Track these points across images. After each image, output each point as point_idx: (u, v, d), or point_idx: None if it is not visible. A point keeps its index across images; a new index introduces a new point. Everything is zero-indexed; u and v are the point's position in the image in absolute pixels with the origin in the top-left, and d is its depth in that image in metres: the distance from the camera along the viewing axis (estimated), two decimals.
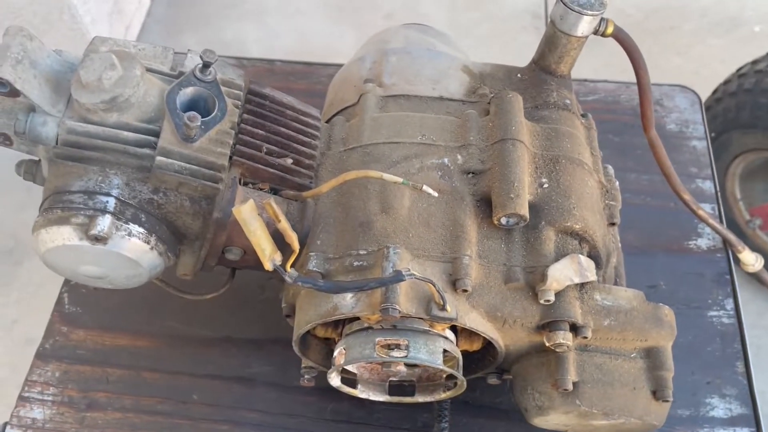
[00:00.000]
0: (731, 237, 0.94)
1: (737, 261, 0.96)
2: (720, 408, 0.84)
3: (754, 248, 0.99)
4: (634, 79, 0.80)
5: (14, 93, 0.59)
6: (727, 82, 1.66)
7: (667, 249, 0.96)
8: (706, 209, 0.93)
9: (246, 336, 0.89)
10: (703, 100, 1.68)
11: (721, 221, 0.96)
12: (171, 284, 0.76)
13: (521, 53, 0.81)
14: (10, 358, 1.85)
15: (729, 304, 0.91)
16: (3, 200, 2.09)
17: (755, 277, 1.01)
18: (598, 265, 0.69)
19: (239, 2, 2.52)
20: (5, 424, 0.83)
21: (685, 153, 1.04)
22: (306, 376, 0.75)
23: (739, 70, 1.63)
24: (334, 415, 0.83)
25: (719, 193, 1.01)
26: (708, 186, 1.01)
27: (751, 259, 0.96)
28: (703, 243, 0.96)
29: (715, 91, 1.69)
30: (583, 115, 0.78)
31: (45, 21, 2.07)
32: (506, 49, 2.33)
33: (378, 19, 2.46)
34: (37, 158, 0.68)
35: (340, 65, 1.13)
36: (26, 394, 0.86)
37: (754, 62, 1.62)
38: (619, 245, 0.83)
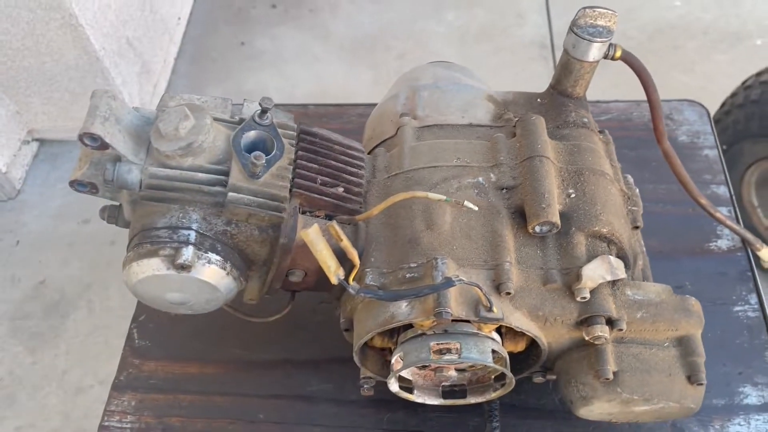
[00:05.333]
0: (749, 236, 1.00)
1: (757, 259, 1.02)
2: (753, 396, 0.89)
3: None
4: (643, 97, 0.87)
5: (104, 146, 0.68)
6: (734, 94, 1.72)
7: (690, 252, 1.02)
8: (723, 212, 0.99)
9: (304, 357, 0.96)
10: (712, 113, 1.75)
11: (738, 222, 1.02)
12: (239, 310, 0.83)
13: (531, 81, 0.89)
14: (63, 407, 1.93)
15: (753, 299, 0.97)
16: (48, 257, 2.19)
17: None
18: (627, 265, 0.76)
19: (258, 54, 2.65)
20: None
21: (699, 162, 1.11)
22: (365, 386, 0.81)
23: (744, 82, 1.70)
24: (390, 425, 0.89)
25: (734, 197, 1.07)
26: (723, 191, 1.08)
27: None
28: (723, 244, 1.03)
29: (723, 105, 1.75)
30: (600, 132, 0.85)
31: (80, 85, 2.20)
32: (517, 79, 2.43)
33: (391, 60, 2.57)
34: (118, 203, 0.76)
35: (369, 105, 1.23)
36: (106, 423, 0.93)
37: (759, 74, 1.69)
38: (644, 249, 0.89)
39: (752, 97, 1.66)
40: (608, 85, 1.89)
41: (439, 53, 2.57)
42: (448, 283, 0.66)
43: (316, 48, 2.65)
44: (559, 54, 2.50)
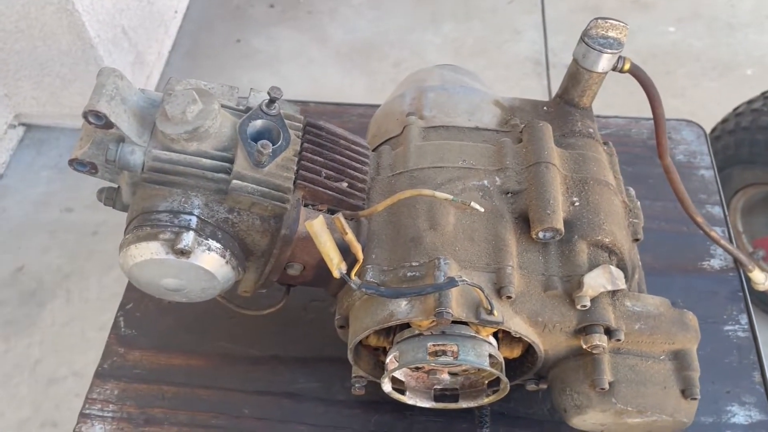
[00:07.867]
0: (742, 257, 1.00)
1: (748, 280, 1.03)
2: (740, 415, 0.89)
3: None
4: (642, 113, 0.88)
5: (108, 125, 0.67)
6: (725, 120, 1.75)
7: (683, 270, 1.03)
8: (717, 232, 1.00)
9: (292, 354, 0.94)
10: None
11: (731, 243, 1.03)
12: (232, 302, 0.82)
13: (524, 96, 0.90)
14: (33, 398, 1.89)
15: (743, 319, 0.97)
16: (26, 244, 2.15)
17: (765, 295, 1.08)
18: (626, 276, 0.76)
19: (253, 53, 2.64)
20: None
21: (695, 181, 1.12)
22: (357, 385, 0.80)
23: (735, 109, 1.72)
24: (377, 427, 0.88)
25: (728, 217, 1.08)
26: (717, 211, 1.08)
27: (761, 278, 1.02)
28: (715, 263, 1.03)
29: (713, 130, 1.78)
30: (604, 143, 0.86)
31: (72, 71, 2.17)
32: (510, 93, 2.44)
33: (387, 68, 2.57)
34: (116, 185, 0.75)
35: (369, 105, 1.22)
36: (87, 411, 0.90)
37: (750, 102, 1.71)
38: (640, 264, 0.90)
39: (743, 123, 1.68)
40: (602, 105, 1.92)
41: (435, 63, 2.57)
42: (451, 282, 0.65)
43: (312, 50, 2.65)
44: (553, 71, 2.53)
